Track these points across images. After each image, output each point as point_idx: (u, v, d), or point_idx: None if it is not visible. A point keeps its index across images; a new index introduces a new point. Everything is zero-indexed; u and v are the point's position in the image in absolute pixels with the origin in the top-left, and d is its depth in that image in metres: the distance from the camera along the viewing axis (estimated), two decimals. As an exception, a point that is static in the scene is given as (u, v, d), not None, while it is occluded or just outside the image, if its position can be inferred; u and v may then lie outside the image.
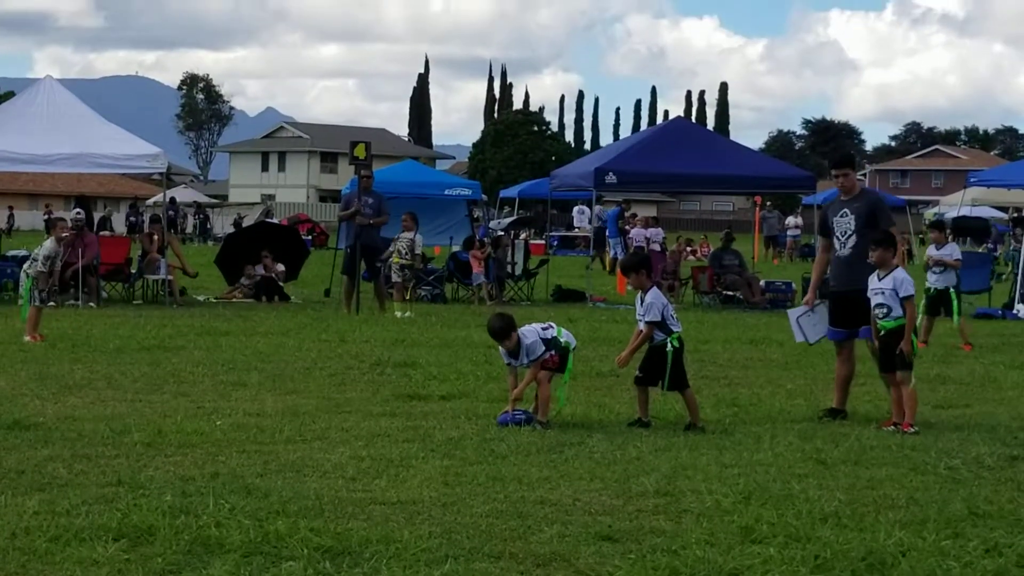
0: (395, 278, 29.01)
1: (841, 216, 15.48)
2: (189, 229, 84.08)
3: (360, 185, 28.75)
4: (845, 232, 15.41)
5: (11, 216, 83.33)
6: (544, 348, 14.19)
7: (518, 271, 34.72)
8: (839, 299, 15.39)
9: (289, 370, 18.28)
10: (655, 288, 14.60)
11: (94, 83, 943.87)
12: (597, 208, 50.29)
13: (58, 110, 31.21)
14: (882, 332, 14.34)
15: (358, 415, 14.56)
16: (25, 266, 21.98)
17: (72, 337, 21.67)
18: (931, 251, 24.64)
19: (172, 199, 53.34)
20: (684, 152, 33.47)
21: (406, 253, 29.00)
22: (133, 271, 31.74)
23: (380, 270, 29.06)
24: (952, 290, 23.41)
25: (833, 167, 15.97)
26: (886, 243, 14.57)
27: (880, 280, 14.34)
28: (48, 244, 22.33)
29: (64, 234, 22.88)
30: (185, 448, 12.30)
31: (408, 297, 28.93)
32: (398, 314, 27.29)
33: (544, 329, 14.42)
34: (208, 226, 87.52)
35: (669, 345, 14.29)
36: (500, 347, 14.44)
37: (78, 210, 33.74)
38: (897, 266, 14.50)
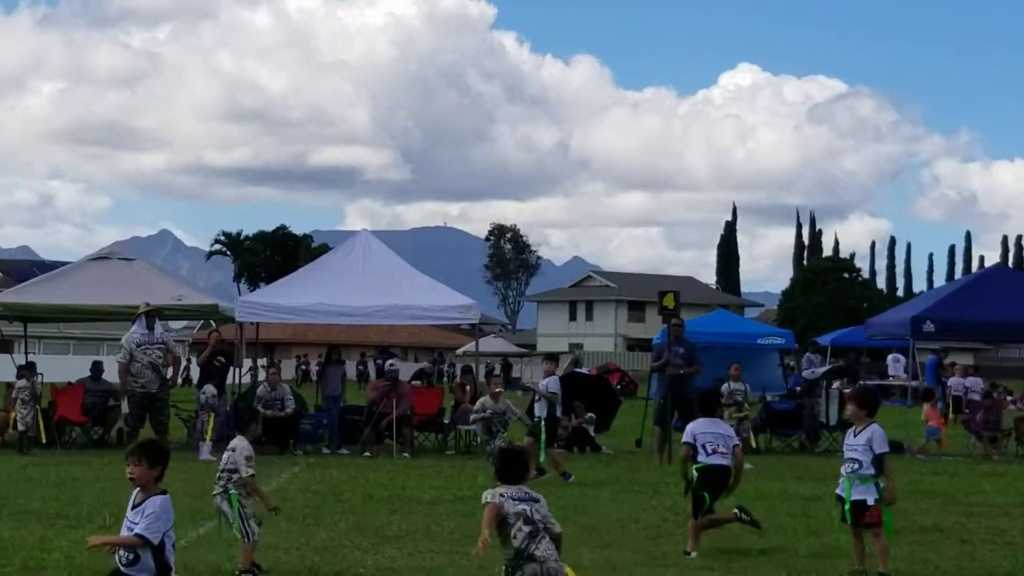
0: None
1: None
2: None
3: (670, 335, 28.63)
4: None
5: (306, 363, 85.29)
6: None
7: (832, 420, 33.98)
8: None
9: (604, 522, 18.12)
10: None
11: (403, 234, 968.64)
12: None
13: (373, 262, 31.95)
14: None
15: (675, 569, 14.34)
16: None
17: (388, 487, 21.89)
18: None
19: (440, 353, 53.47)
20: (1004, 299, 32.63)
21: (743, 404, 29.09)
22: (446, 421, 32.03)
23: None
24: None
25: None
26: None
27: None
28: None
29: (497, 389, 23.12)
30: (503, 602, 12.18)
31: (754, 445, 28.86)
32: (746, 466, 26.92)
33: None
34: (512, 375, 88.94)
35: None
36: None
37: (391, 361, 34.31)
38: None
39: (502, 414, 22.76)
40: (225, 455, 14.10)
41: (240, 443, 14.08)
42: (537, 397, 25.96)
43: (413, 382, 53.07)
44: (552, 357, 32.48)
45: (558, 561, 10.22)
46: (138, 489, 9.91)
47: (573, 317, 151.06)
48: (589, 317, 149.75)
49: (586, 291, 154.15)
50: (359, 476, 23.69)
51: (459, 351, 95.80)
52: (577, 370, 52.34)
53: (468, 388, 31.87)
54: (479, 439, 22.63)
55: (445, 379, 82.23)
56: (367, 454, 28.90)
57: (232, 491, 13.83)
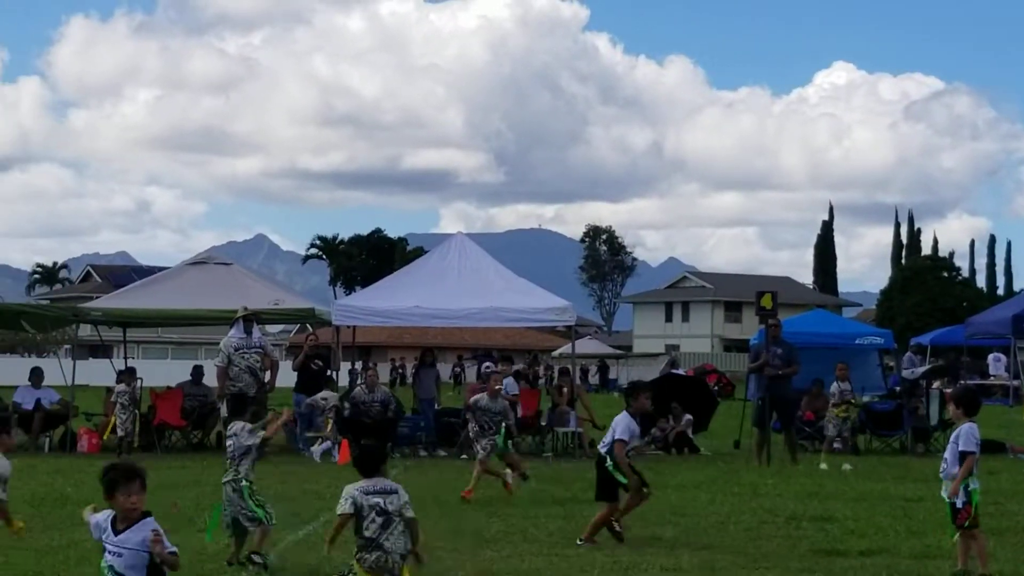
0: (831, 431, 28.78)
1: None
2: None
3: (768, 335, 28.43)
4: None
5: (402, 366, 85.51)
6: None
7: (933, 420, 33.61)
8: None
9: (703, 524, 18.00)
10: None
11: (497, 236, 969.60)
12: None
13: (468, 265, 31.94)
14: None
15: (776, 571, 14.21)
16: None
17: (486, 489, 21.83)
18: None
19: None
20: (1108, 295, 32.15)
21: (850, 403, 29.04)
22: (543, 424, 31.93)
23: (794, 421, 28.69)
24: None
25: None
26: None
27: None
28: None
29: (498, 387, 22.74)
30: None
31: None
32: (846, 467, 26.69)
33: None
34: (609, 376, 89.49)
35: None
36: None
37: (487, 363, 34.25)
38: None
39: (496, 414, 21.79)
40: (229, 443, 14.30)
41: (236, 426, 14.36)
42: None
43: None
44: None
45: (403, 556, 11.22)
46: (114, 515, 9.19)
47: (669, 318, 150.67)
48: (685, 318, 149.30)
49: (682, 292, 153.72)
50: (457, 478, 23.65)
51: (555, 353, 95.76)
52: (674, 371, 52.17)
53: (565, 390, 31.79)
54: (471, 434, 22.29)
55: (542, 381, 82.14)
56: (464, 456, 28.87)
57: (244, 482, 14.00)
